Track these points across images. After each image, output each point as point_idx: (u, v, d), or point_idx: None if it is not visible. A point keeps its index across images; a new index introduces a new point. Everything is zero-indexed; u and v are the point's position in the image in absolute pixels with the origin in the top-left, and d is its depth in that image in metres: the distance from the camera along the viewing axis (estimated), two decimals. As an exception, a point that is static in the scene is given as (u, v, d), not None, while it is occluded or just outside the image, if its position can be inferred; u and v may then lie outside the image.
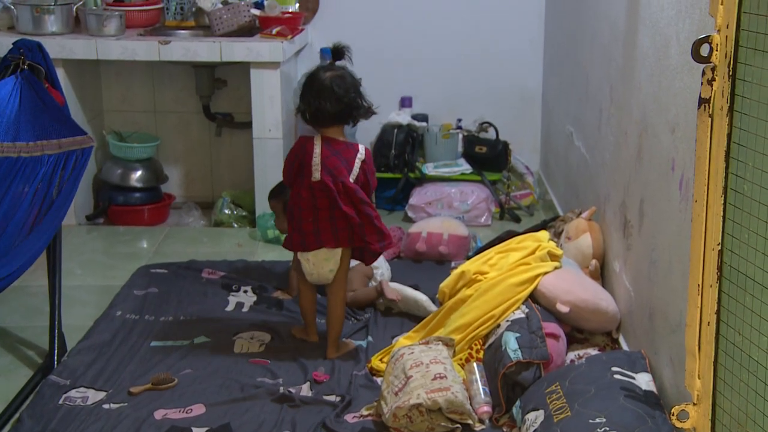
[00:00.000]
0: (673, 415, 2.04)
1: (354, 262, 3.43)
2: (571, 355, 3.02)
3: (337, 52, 3.22)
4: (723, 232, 1.87)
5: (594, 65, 3.72)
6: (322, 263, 3.14)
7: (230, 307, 3.63)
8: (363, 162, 3.10)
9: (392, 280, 3.78)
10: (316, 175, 3.05)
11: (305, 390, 2.97)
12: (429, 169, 4.83)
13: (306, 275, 3.21)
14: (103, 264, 4.16)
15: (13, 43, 3.07)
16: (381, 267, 3.70)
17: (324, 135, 3.11)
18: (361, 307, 3.57)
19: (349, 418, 2.79)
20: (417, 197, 4.68)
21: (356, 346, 3.27)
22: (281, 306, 3.61)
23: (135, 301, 3.65)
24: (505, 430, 2.73)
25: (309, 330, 3.33)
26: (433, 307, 3.43)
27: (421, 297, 3.48)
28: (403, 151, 4.83)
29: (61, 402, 2.88)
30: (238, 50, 4.37)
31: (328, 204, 3.06)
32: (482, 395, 2.80)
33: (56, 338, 3.18)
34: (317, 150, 3.06)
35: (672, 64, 2.55)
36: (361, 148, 3.14)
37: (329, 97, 3.06)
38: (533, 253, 3.28)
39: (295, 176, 3.10)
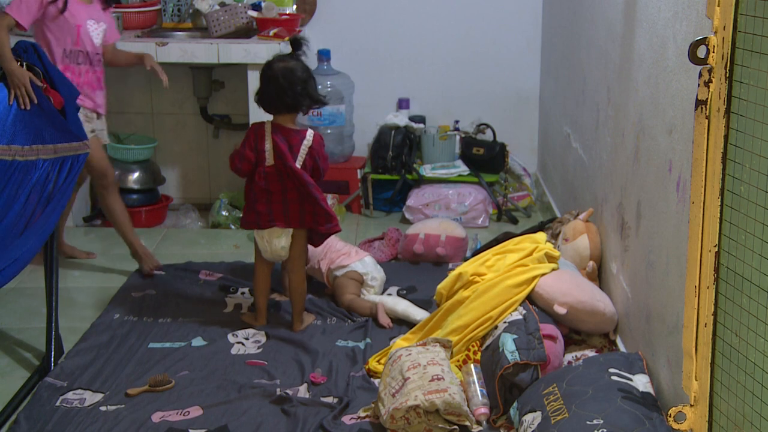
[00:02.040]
0: (670, 416, 2.05)
1: (344, 270, 3.64)
2: (569, 357, 3.02)
3: (295, 43, 3.40)
4: (720, 233, 1.87)
5: (591, 67, 3.73)
6: (274, 240, 3.35)
7: (228, 309, 3.63)
8: (310, 147, 3.30)
9: (389, 282, 3.78)
10: (270, 160, 3.27)
11: (302, 391, 2.97)
12: (426, 170, 4.83)
13: (261, 252, 3.43)
14: (101, 266, 4.16)
15: (12, 47, 3.07)
16: (371, 272, 3.70)
17: (275, 122, 3.32)
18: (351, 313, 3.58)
19: (347, 419, 2.79)
20: (414, 199, 4.68)
21: (314, 317, 3.53)
22: (279, 307, 3.61)
23: (132, 303, 3.65)
24: (502, 431, 2.73)
25: (258, 314, 3.49)
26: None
27: (417, 316, 3.44)
28: (400, 153, 4.83)
29: (58, 404, 2.88)
30: (235, 52, 4.37)
31: (280, 188, 3.29)
32: (480, 397, 2.80)
33: (53, 340, 3.18)
34: (268, 136, 3.28)
35: (669, 66, 2.55)
36: (309, 134, 3.32)
37: (277, 86, 3.27)
38: (531, 254, 3.28)
39: (257, 162, 3.29)
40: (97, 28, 3.73)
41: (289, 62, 3.31)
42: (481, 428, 2.73)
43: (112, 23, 3.85)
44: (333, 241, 3.71)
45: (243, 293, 3.75)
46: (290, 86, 3.26)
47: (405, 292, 3.76)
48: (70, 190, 3.12)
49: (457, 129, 5.02)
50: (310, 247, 3.61)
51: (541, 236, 3.43)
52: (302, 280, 3.46)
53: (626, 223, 3.06)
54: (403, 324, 3.46)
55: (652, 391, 2.55)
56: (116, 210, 3.93)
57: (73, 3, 3.60)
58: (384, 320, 3.46)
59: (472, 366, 2.92)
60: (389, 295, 3.70)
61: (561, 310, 3.06)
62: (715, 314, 1.91)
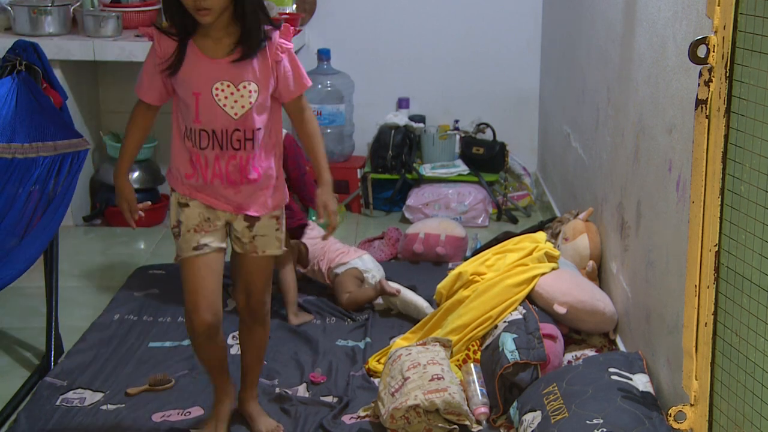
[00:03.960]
0: (670, 416, 2.05)
1: (344, 267, 3.65)
2: (569, 356, 3.02)
3: None
4: (720, 233, 1.87)
5: (591, 66, 3.73)
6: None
7: (228, 308, 3.63)
8: None
9: (389, 281, 3.78)
10: None
11: (302, 391, 2.97)
12: (426, 170, 4.83)
13: None
14: (100, 265, 4.16)
15: (11, 46, 3.07)
16: (371, 270, 3.70)
17: None
18: (359, 308, 3.58)
19: (347, 419, 2.79)
20: (414, 198, 4.68)
21: (313, 317, 3.54)
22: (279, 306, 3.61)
23: (133, 303, 3.65)
24: (502, 431, 2.73)
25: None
26: (431, 312, 3.43)
27: (422, 303, 3.47)
28: (400, 153, 4.83)
29: (58, 403, 2.88)
30: (235, 51, 4.36)
31: None
32: (479, 396, 2.80)
33: (53, 339, 3.18)
34: None
35: (669, 66, 2.55)
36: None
37: None
38: (530, 254, 3.28)
39: None
40: (235, 93, 2.39)
41: None
42: (481, 428, 2.73)
43: (285, 74, 2.45)
44: (331, 242, 3.72)
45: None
46: None
47: (405, 291, 3.76)
48: (72, 190, 3.11)
49: (456, 128, 5.02)
50: (309, 248, 3.62)
51: (541, 236, 3.43)
52: (290, 272, 3.53)
53: (626, 223, 3.06)
54: (404, 324, 3.46)
55: (652, 391, 2.55)
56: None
57: (195, 59, 2.39)
58: (391, 288, 3.49)
59: (471, 365, 2.92)
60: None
61: (561, 309, 3.06)
62: (715, 314, 1.91)
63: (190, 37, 2.39)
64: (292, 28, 2.46)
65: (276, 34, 2.40)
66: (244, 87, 2.38)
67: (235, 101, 2.39)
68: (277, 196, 2.55)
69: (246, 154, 2.44)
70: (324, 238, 2.63)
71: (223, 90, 2.38)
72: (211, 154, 2.44)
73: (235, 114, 2.40)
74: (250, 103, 2.40)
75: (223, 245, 2.56)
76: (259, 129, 2.44)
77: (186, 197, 2.51)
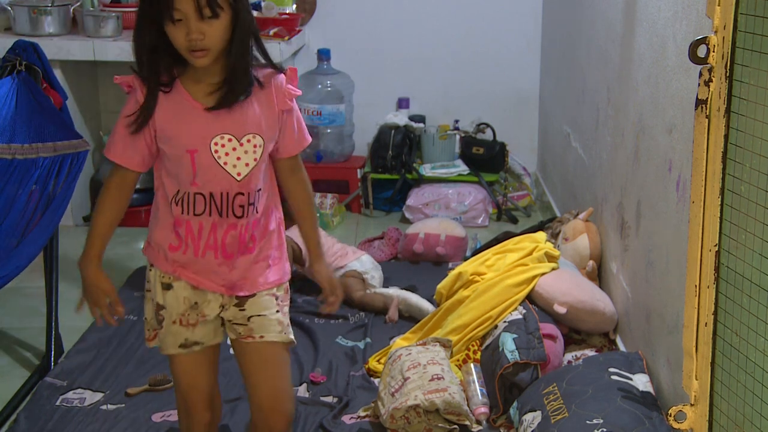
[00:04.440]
0: (670, 416, 2.05)
1: (342, 270, 3.65)
2: (569, 356, 3.02)
3: None
4: (720, 233, 1.87)
5: (591, 66, 3.73)
6: None
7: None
8: None
9: (389, 281, 3.78)
10: None
11: (302, 391, 2.97)
12: (426, 170, 4.83)
13: None
14: (100, 265, 4.16)
15: (11, 46, 3.07)
16: (370, 270, 3.70)
17: None
18: (363, 309, 3.58)
19: (347, 419, 2.79)
20: (414, 198, 4.68)
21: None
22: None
23: (133, 303, 3.64)
24: (502, 431, 2.73)
25: None
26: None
27: (427, 308, 3.45)
28: (400, 153, 4.83)
29: (58, 403, 2.88)
30: (235, 51, 4.36)
31: None
32: (479, 396, 2.80)
33: (53, 339, 3.18)
34: None
35: (669, 66, 2.55)
36: None
37: None
38: (530, 254, 3.28)
39: None
40: (238, 149, 2.00)
41: None
42: (480, 428, 2.73)
43: (291, 126, 2.08)
44: (329, 243, 3.71)
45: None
46: None
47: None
48: (71, 190, 3.11)
49: (457, 128, 5.02)
50: (306, 249, 3.64)
51: (541, 236, 3.43)
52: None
53: (626, 223, 3.06)
54: (404, 324, 3.45)
55: (652, 391, 2.55)
56: None
57: (186, 108, 1.98)
58: (393, 315, 3.47)
59: (472, 365, 2.92)
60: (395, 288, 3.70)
61: (561, 309, 3.06)
62: (715, 313, 1.91)
63: (170, 84, 1.97)
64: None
65: (282, 79, 2.02)
66: (248, 141, 1.99)
67: (238, 158, 1.98)
68: (278, 269, 2.14)
69: (247, 222, 2.04)
70: (323, 311, 2.23)
71: (223, 145, 1.97)
72: (206, 222, 2.02)
73: (238, 174, 1.99)
74: (255, 160, 2.00)
75: (218, 340, 2.17)
76: (260, 190, 2.04)
77: (170, 276, 2.08)
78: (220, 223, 2.02)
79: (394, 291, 3.58)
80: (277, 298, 2.13)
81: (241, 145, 1.98)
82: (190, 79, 1.97)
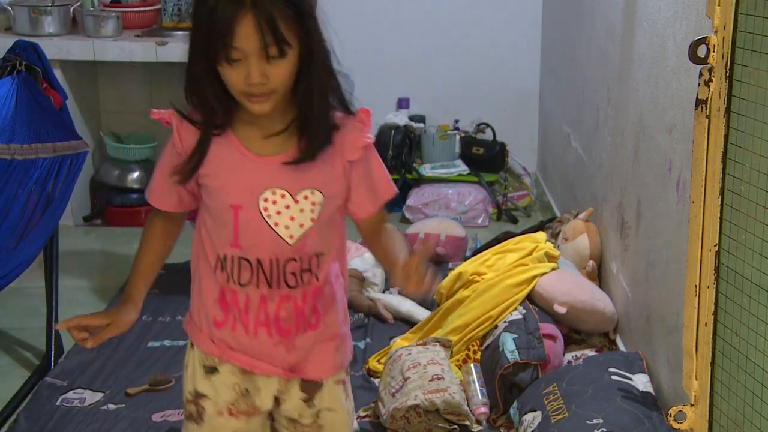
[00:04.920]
0: (670, 416, 2.05)
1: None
2: (569, 356, 3.02)
3: None
4: (720, 233, 1.87)
5: (591, 66, 3.73)
6: None
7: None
8: None
9: (389, 281, 3.78)
10: None
11: (302, 391, 2.97)
12: (426, 170, 4.83)
13: None
14: (101, 265, 4.16)
15: (11, 46, 3.07)
16: (371, 269, 3.69)
17: None
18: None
19: (347, 419, 2.79)
20: (414, 198, 4.68)
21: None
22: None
23: (132, 303, 3.65)
24: (502, 431, 2.73)
25: None
26: (425, 314, 3.42)
27: (419, 315, 3.44)
28: (400, 153, 4.83)
29: (58, 403, 2.88)
30: (235, 51, 4.36)
31: None
32: (479, 396, 2.80)
33: (53, 339, 3.18)
34: None
35: (669, 66, 2.55)
36: None
37: None
38: (530, 254, 3.28)
39: None
40: (292, 207, 1.67)
41: None
42: (481, 428, 2.73)
43: (362, 180, 1.75)
44: None
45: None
46: None
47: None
48: (70, 190, 3.11)
49: (456, 128, 5.02)
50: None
51: (541, 236, 3.43)
52: None
53: (626, 223, 3.06)
54: (404, 324, 3.45)
55: (652, 391, 2.55)
56: None
57: (234, 156, 1.66)
58: (386, 315, 3.46)
59: (472, 365, 2.92)
60: (390, 293, 3.70)
61: (561, 309, 3.06)
62: (715, 313, 1.91)
63: (225, 127, 1.63)
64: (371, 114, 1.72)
65: (351, 123, 1.68)
66: (305, 198, 1.64)
67: (291, 218, 1.64)
68: (344, 348, 1.79)
69: (304, 291, 1.69)
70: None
71: (275, 202, 1.63)
72: (254, 294, 1.68)
73: (291, 237, 1.65)
74: (312, 220, 1.66)
75: None
76: (321, 254, 1.70)
77: (214, 358, 1.74)
78: (271, 295, 1.67)
79: (378, 296, 3.57)
80: (344, 383, 1.80)
81: (296, 202, 1.63)
82: (241, 121, 1.63)
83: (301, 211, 1.64)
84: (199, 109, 1.63)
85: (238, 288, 1.67)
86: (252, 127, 1.62)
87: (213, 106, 1.60)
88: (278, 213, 1.64)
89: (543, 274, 3.16)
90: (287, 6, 1.51)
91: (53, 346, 3.17)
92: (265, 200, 1.63)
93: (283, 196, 1.63)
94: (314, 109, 1.60)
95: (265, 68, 1.52)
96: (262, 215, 1.63)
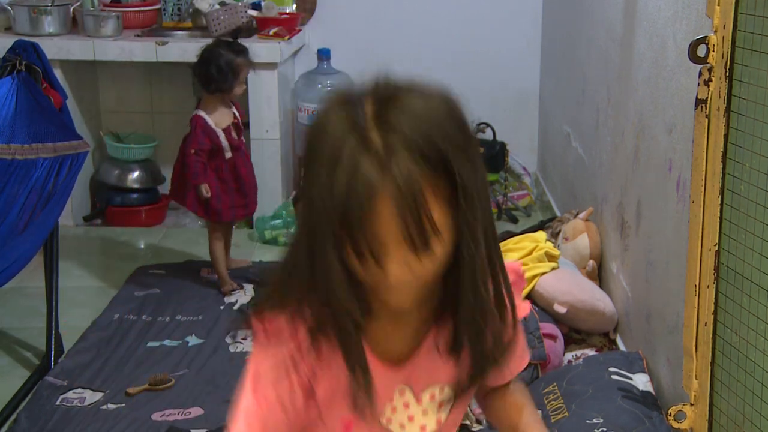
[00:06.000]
0: (670, 415, 2.05)
1: None
2: (569, 356, 3.02)
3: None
4: (720, 232, 1.87)
5: (591, 66, 3.73)
6: None
7: (227, 307, 3.63)
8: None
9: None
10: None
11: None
12: (426, 169, 4.83)
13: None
14: (101, 265, 4.16)
15: (11, 46, 3.07)
16: None
17: None
18: None
19: (347, 418, 2.79)
20: (414, 198, 4.68)
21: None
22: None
23: (133, 302, 3.65)
24: (502, 430, 2.73)
25: (224, 282, 3.79)
26: None
27: None
28: (400, 152, 4.83)
29: (58, 403, 2.88)
30: (235, 51, 4.36)
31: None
32: (479, 396, 2.80)
33: (53, 339, 3.18)
34: None
35: (669, 65, 2.55)
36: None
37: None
38: (531, 253, 3.28)
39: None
40: (411, 406, 1.26)
41: (216, 46, 3.61)
42: (481, 427, 2.73)
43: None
44: None
45: (243, 291, 3.75)
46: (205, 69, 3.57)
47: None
48: (70, 189, 3.11)
49: (457, 128, 5.02)
50: None
51: (541, 235, 3.43)
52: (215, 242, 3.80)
53: (626, 223, 3.06)
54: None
55: (652, 390, 2.55)
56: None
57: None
58: None
59: (472, 365, 2.92)
60: None
61: (561, 309, 3.06)
62: (715, 313, 1.91)
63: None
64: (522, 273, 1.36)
65: None
66: (432, 396, 1.25)
67: (411, 418, 1.26)
68: None
69: None
70: None
71: (395, 407, 1.24)
72: None
73: None
74: (438, 422, 1.27)
75: None
76: None
77: None
78: None
79: None
80: None
81: (419, 402, 1.25)
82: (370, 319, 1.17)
83: (425, 412, 1.26)
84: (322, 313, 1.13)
85: None
86: (381, 322, 1.20)
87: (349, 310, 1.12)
88: (401, 423, 1.26)
89: (543, 273, 3.16)
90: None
91: (53, 346, 3.17)
92: (392, 409, 1.25)
93: (403, 392, 1.24)
94: (475, 322, 1.16)
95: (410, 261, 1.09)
96: (385, 428, 1.26)
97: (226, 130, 3.64)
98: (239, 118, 3.73)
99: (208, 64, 3.56)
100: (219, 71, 3.55)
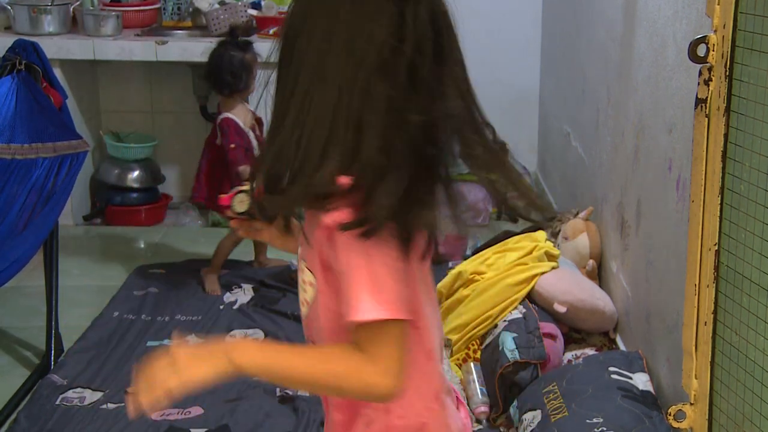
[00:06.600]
0: (670, 415, 2.05)
1: None
2: (569, 355, 3.02)
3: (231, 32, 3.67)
4: (720, 232, 1.87)
5: (591, 66, 3.73)
6: None
7: (227, 307, 3.63)
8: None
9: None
10: None
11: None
12: (426, 169, 4.82)
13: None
14: (100, 264, 4.16)
15: (11, 46, 3.07)
16: None
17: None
18: None
19: (347, 418, 2.79)
20: (414, 198, 4.67)
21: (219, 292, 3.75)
22: (276, 302, 3.61)
23: (133, 302, 3.65)
24: (502, 430, 2.73)
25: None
26: None
27: None
28: (400, 152, 4.83)
29: (58, 402, 2.88)
30: (235, 51, 4.35)
31: None
32: (479, 395, 2.80)
33: (53, 338, 3.18)
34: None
35: (669, 65, 2.55)
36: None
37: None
38: (530, 253, 3.28)
39: None
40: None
41: (222, 48, 3.60)
42: (480, 427, 2.73)
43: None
44: None
45: (243, 290, 3.75)
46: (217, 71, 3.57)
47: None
48: (69, 189, 3.12)
49: (456, 128, 5.02)
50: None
51: (541, 235, 3.43)
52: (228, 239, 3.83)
53: (626, 222, 3.06)
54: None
55: (651, 390, 2.55)
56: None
57: None
58: None
59: (471, 364, 2.92)
60: None
61: (561, 308, 3.06)
62: (715, 313, 1.91)
63: None
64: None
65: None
66: (302, 270, 1.38)
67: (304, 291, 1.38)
68: None
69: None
70: None
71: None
72: None
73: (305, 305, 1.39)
74: (306, 302, 1.38)
75: None
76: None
77: None
78: None
79: None
80: None
81: (302, 272, 1.36)
82: None
83: (303, 288, 1.40)
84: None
85: None
86: None
87: None
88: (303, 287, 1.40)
89: (543, 273, 3.16)
90: None
91: (53, 346, 3.18)
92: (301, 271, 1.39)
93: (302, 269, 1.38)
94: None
95: None
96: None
97: (251, 129, 3.64)
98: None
99: (221, 70, 3.54)
100: (233, 75, 3.54)
